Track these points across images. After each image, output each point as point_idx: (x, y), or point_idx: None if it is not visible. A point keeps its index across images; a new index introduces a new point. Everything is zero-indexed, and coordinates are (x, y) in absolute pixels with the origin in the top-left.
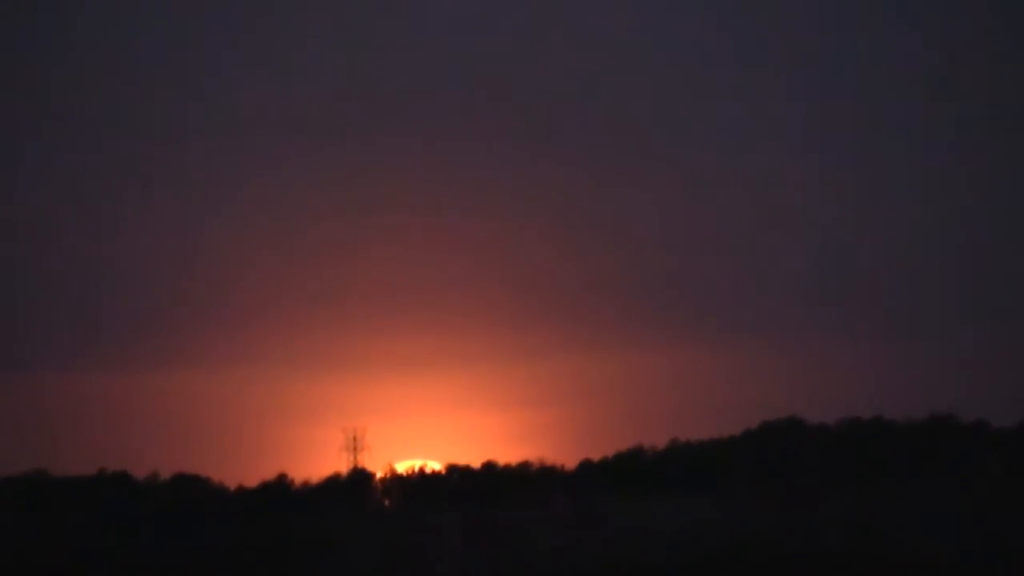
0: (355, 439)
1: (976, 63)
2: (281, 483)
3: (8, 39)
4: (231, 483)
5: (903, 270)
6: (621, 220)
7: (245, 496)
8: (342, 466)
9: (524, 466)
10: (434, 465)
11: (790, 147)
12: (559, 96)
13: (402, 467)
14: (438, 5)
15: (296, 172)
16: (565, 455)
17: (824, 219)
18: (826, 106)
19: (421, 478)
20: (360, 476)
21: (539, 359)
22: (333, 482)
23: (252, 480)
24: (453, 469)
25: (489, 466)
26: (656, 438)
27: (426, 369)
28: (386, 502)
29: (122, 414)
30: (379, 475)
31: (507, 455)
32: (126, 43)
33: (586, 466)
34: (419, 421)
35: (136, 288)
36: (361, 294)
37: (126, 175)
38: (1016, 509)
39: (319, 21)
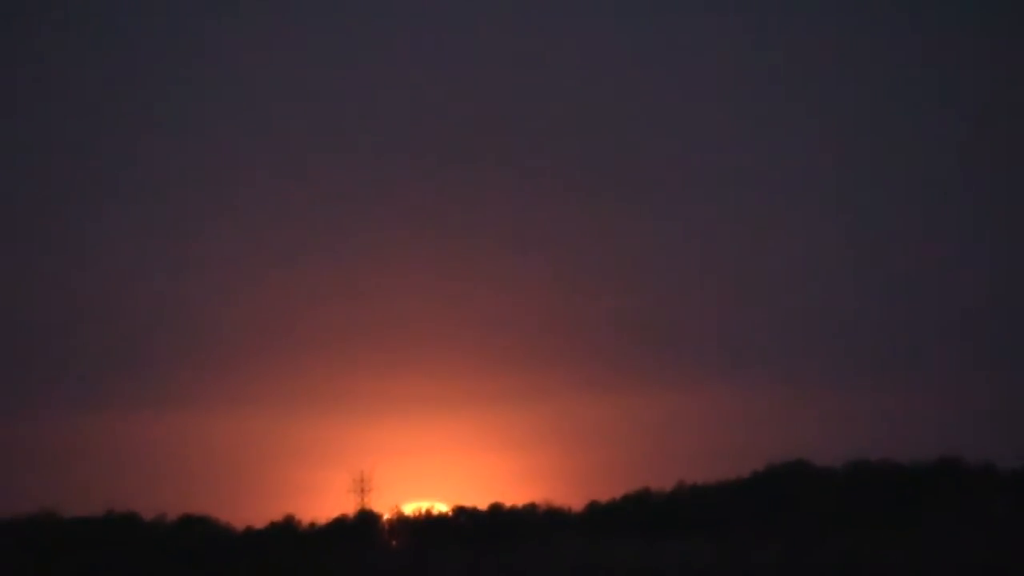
0: (362, 480)
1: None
2: (288, 524)
3: None
4: (238, 524)
5: (912, 312)
6: (630, 262)
7: (252, 536)
8: (349, 507)
9: (531, 508)
10: (441, 507)
11: (797, 188)
12: (574, 131)
13: (409, 508)
14: (454, 32)
15: (299, 207)
16: (572, 497)
17: (833, 261)
18: (842, 139)
19: (428, 519)
20: (367, 517)
21: (547, 400)
22: (340, 523)
23: (259, 521)
24: (460, 511)
25: (496, 507)
26: (663, 480)
27: (433, 410)
28: (393, 543)
29: (129, 455)
30: (386, 516)
31: (514, 497)
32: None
33: (593, 508)
34: (426, 462)
35: (140, 328)
36: (368, 334)
37: (121, 203)
38: (1022, 551)
39: (342, 36)
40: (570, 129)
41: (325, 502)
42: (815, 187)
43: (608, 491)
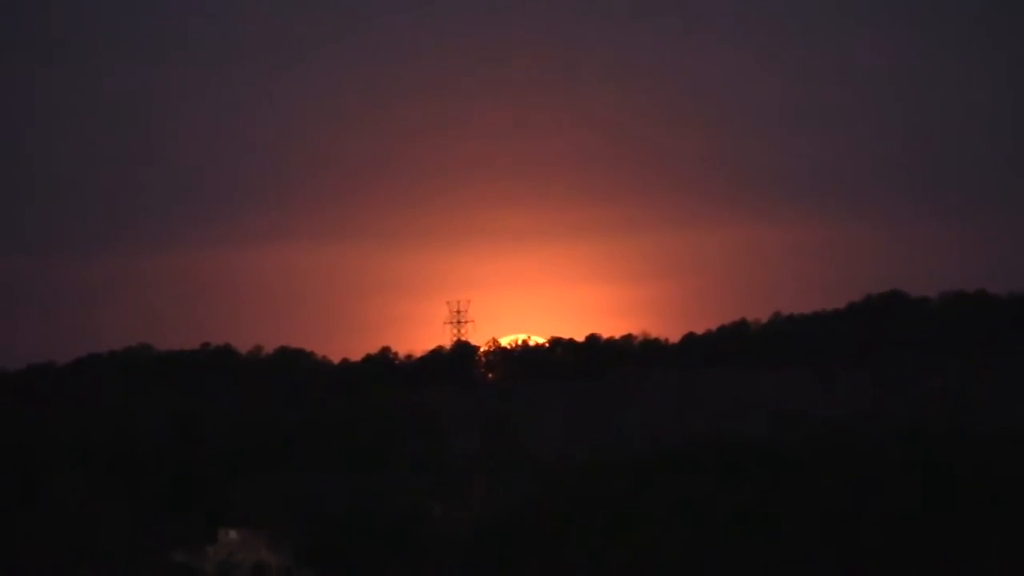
0: (459, 312)
1: None
2: (384, 356)
3: None
4: (335, 357)
5: (1008, 146)
6: (728, 96)
7: (348, 369)
8: (446, 339)
9: (627, 339)
10: (537, 338)
11: (900, 27)
12: None
13: (505, 340)
14: None
15: (401, 44)
16: (668, 329)
17: (930, 96)
18: None
19: (524, 351)
20: (463, 349)
21: (644, 232)
22: (436, 355)
23: (356, 354)
24: (556, 342)
25: (592, 339)
26: (759, 312)
27: (531, 242)
28: (489, 375)
29: (227, 289)
30: (482, 348)
31: (610, 328)
32: None
33: (689, 340)
34: (523, 294)
35: (238, 164)
36: (466, 167)
37: (233, 52)
38: None
39: None
40: None
41: (422, 334)
42: (918, 26)
43: (704, 323)
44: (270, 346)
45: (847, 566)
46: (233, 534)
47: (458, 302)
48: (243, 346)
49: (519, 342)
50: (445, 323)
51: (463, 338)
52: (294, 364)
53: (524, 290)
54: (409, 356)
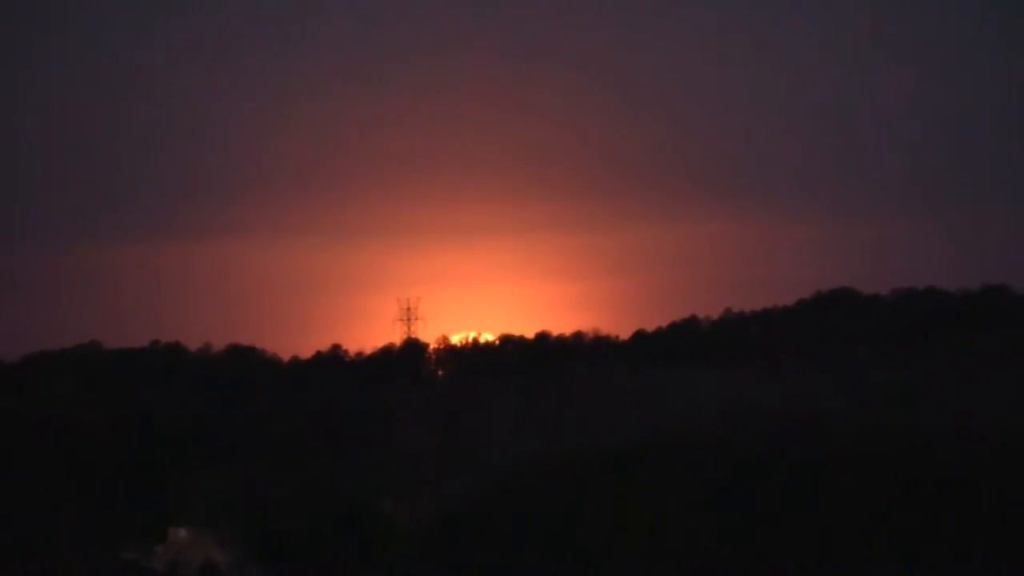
0: (409, 309)
1: None
2: (335, 354)
3: None
4: (285, 354)
5: (957, 143)
6: (680, 91)
7: (299, 367)
8: (396, 336)
9: (578, 336)
10: (488, 336)
11: (848, 25)
12: None
13: (456, 338)
14: None
15: (348, 36)
16: (619, 325)
17: (879, 93)
18: None
19: (475, 349)
20: (414, 347)
21: (594, 229)
22: (387, 352)
23: (306, 351)
24: (507, 340)
25: (543, 336)
26: (711, 308)
27: (481, 238)
28: (439, 372)
29: (174, 286)
30: (433, 346)
31: (561, 325)
32: None
33: (640, 336)
34: (474, 291)
35: (185, 157)
36: (418, 162)
37: (188, 42)
38: None
39: None
40: None
41: (372, 331)
42: (868, 28)
43: (655, 320)
44: (220, 343)
45: (804, 561)
46: (183, 532)
47: (408, 299)
48: (193, 343)
49: (469, 339)
50: (395, 320)
51: (413, 335)
52: (244, 361)
53: (474, 286)
54: (360, 353)
